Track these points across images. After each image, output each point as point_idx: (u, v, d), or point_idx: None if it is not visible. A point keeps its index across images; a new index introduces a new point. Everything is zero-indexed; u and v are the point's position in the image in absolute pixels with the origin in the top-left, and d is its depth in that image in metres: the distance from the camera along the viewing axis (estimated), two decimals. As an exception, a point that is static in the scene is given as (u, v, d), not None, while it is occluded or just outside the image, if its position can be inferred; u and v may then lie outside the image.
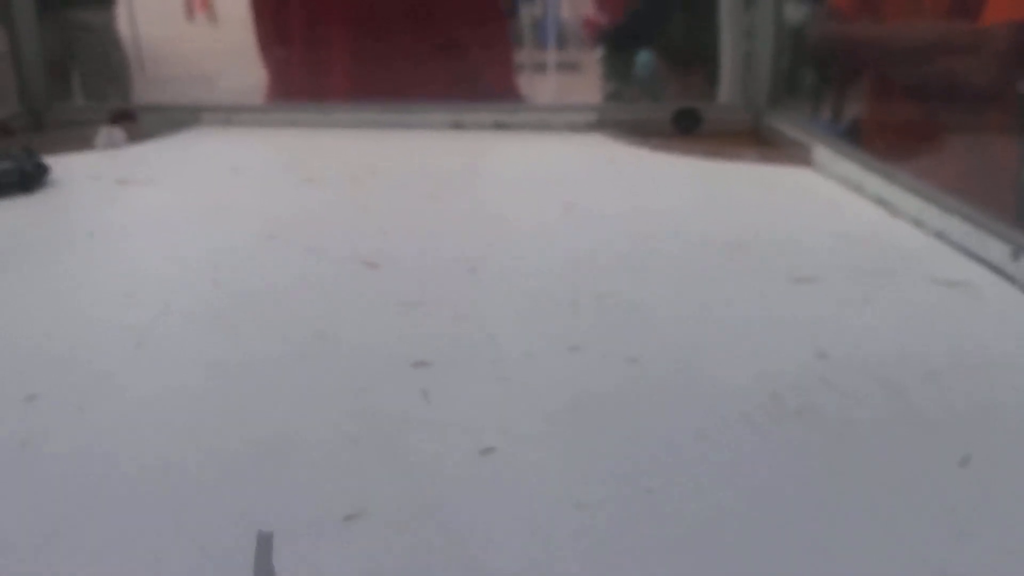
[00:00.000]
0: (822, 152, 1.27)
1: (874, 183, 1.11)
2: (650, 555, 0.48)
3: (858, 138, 1.55)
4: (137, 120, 1.58)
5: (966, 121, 1.35)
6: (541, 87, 4.76)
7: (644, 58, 2.64)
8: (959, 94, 1.33)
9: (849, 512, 0.52)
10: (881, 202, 1.08)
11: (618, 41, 2.85)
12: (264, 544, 0.43)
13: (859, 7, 1.61)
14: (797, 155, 1.31)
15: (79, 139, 1.43)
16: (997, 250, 0.86)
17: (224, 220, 1.06)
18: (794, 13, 1.63)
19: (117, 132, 1.44)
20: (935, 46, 1.39)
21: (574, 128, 1.55)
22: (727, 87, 1.65)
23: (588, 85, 4.33)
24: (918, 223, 1.00)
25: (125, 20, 3.11)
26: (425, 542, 0.49)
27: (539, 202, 1.12)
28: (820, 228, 1.01)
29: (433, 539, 0.50)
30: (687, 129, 1.55)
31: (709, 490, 0.54)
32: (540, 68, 5.01)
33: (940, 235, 0.96)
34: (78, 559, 0.48)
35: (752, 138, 1.52)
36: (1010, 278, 0.84)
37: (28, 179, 1.17)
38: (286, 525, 0.50)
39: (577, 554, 0.49)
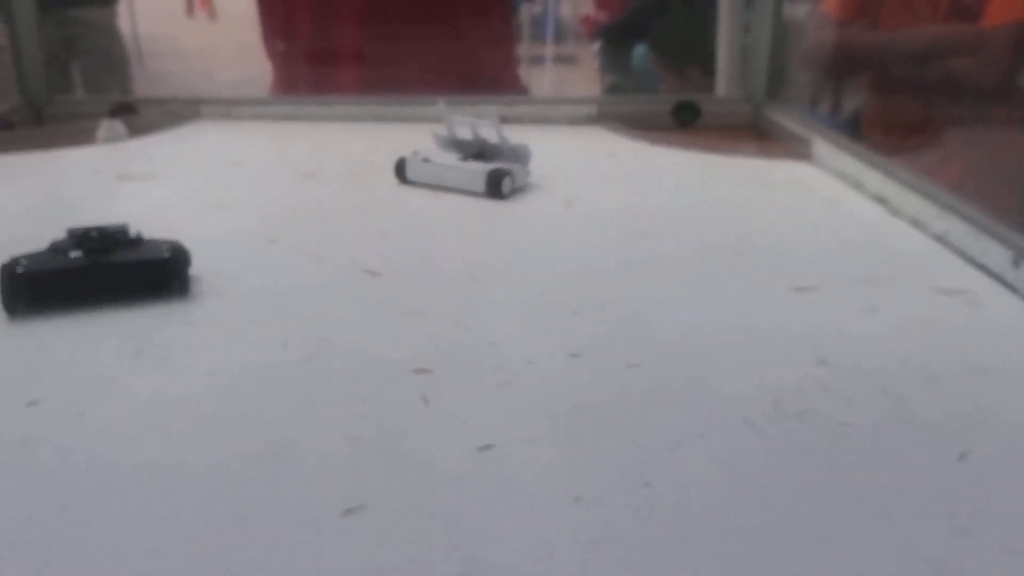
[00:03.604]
0: (821, 146, 1.27)
1: (874, 180, 1.12)
2: (648, 550, 0.49)
3: (858, 133, 1.55)
4: (138, 113, 1.58)
5: (971, 119, 1.35)
6: (539, 79, 4.76)
7: (640, 52, 2.66)
8: (964, 93, 1.34)
9: (848, 509, 0.52)
10: (880, 199, 1.09)
11: (615, 36, 2.86)
12: None
13: (855, 12, 1.61)
14: (796, 149, 1.32)
15: (80, 132, 1.43)
16: (997, 255, 0.85)
17: (224, 218, 1.06)
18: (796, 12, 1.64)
19: (119, 126, 1.44)
20: (939, 47, 1.39)
21: (574, 121, 1.55)
22: (725, 80, 1.65)
23: (584, 77, 4.34)
24: (917, 224, 1.00)
25: (125, 16, 3.10)
26: (424, 537, 0.50)
27: (539, 199, 1.12)
28: (820, 231, 1.01)
29: (431, 534, 0.50)
30: (686, 122, 1.55)
31: (708, 486, 0.55)
32: (538, 61, 5.01)
33: (940, 239, 0.95)
34: (79, 559, 0.49)
35: (751, 131, 1.53)
36: (1010, 286, 0.83)
37: None
38: (285, 522, 0.51)
39: (576, 549, 0.49)
